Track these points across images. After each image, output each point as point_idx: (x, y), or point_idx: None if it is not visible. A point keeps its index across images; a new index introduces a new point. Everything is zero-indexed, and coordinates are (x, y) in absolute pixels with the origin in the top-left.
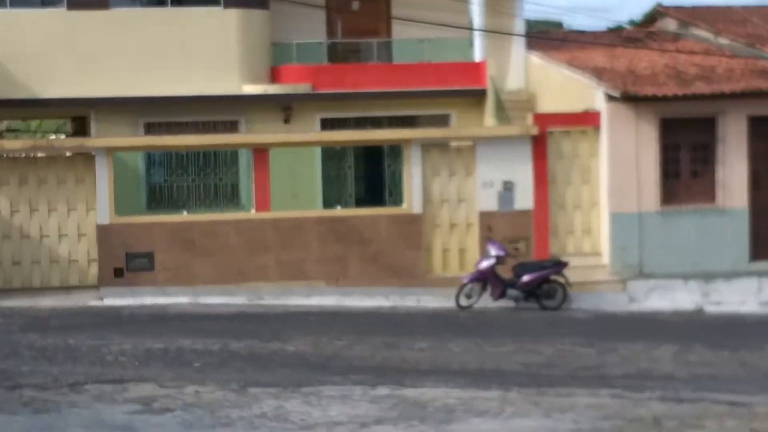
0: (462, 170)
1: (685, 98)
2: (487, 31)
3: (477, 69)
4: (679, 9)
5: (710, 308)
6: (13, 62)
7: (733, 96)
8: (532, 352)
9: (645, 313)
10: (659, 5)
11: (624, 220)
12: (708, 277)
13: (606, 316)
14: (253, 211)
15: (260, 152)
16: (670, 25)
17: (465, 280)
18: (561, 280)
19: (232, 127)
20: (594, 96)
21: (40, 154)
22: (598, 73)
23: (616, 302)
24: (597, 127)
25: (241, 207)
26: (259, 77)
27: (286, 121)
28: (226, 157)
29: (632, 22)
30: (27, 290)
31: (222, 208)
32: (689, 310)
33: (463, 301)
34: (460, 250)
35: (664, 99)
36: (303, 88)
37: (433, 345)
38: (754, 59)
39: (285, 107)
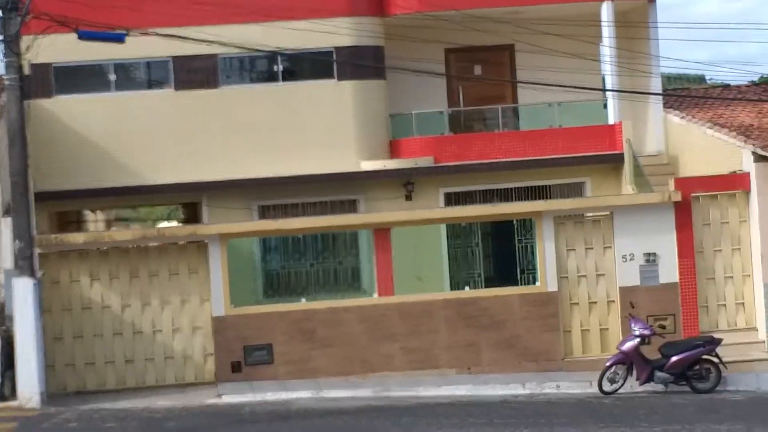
0: (599, 243)
1: None
2: (622, 91)
3: (612, 132)
4: None
5: None
6: (120, 147)
7: None
8: None
9: None
10: None
11: None
12: None
13: (766, 398)
14: (375, 295)
15: (381, 232)
16: None
17: (608, 363)
18: (714, 359)
19: (350, 206)
20: (741, 156)
21: (151, 244)
22: (745, 132)
23: None
24: (746, 191)
25: (362, 292)
26: (378, 152)
27: (408, 197)
28: (346, 239)
29: None
30: (141, 389)
31: (343, 294)
32: None
33: (607, 386)
34: (601, 330)
35: None
36: (424, 161)
37: None
38: None
39: (406, 183)
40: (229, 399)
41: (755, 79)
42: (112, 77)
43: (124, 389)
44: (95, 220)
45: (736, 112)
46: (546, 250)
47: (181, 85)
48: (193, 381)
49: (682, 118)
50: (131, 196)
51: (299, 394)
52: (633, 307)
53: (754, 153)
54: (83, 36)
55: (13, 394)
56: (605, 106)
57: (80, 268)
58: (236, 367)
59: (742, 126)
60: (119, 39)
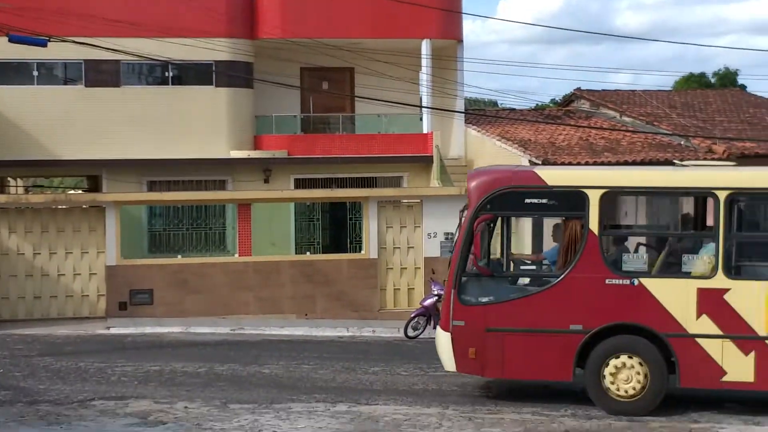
0: (411, 223)
1: (596, 166)
2: (433, 108)
3: (425, 140)
4: (591, 92)
5: None
6: (39, 129)
7: (635, 164)
8: (468, 377)
9: None
10: (576, 89)
11: None
12: None
13: None
14: (237, 255)
15: (244, 206)
16: (584, 105)
17: (412, 315)
18: None
19: (220, 185)
20: (521, 163)
21: (60, 207)
22: (524, 145)
23: None
24: None
25: (227, 252)
26: (244, 144)
27: (266, 181)
28: (215, 210)
29: (553, 102)
30: (45, 320)
31: (211, 253)
32: None
33: (411, 333)
34: (409, 290)
35: (578, 166)
36: (280, 153)
37: (384, 369)
38: (653, 135)
39: (265, 169)
40: (115, 330)
41: (533, 105)
42: (35, 73)
43: (31, 320)
44: (16, 186)
45: (518, 130)
46: (370, 227)
47: (90, 82)
48: (87, 315)
49: (479, 131)
50: (46, 167)
51: (172, 329)
52: (434, 273)
53: (530, 161)
54: (13, 39)
55: None
56: (421, 119)
57: (1, 222)
58: (123, 306)
59: (523, 140)
60: (42, 44)
